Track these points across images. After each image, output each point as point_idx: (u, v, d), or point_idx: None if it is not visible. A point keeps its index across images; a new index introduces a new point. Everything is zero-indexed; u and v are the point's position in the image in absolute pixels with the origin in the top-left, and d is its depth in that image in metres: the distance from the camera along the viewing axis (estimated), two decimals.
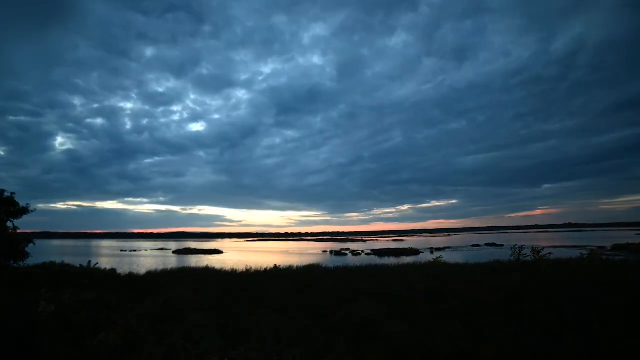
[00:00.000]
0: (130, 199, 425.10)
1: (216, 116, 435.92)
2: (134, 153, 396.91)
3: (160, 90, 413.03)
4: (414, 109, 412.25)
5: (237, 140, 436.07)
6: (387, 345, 5.48)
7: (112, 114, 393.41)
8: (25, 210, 16.01)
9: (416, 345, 5.39)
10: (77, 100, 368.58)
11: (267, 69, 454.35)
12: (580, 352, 4.94)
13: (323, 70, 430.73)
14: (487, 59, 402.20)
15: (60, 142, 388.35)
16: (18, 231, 15.76)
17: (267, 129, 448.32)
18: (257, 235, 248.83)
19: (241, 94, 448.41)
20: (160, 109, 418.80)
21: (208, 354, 5.33)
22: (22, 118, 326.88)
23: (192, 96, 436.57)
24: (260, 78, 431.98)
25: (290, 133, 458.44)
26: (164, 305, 8.24)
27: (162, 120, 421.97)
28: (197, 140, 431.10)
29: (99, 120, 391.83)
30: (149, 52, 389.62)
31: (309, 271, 15.58)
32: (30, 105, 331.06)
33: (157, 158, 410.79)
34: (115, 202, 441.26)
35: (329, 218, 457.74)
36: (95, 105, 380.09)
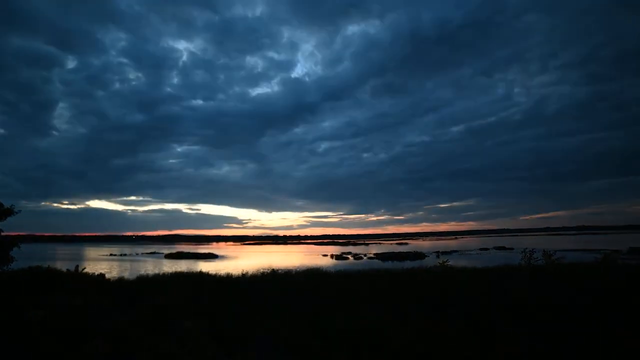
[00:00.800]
0: (129, 198, 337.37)
1: (298, 73, 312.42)
2: (160, 136, 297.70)
3: (245, 16, 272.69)
4: (587, 60, 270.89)
5: (302, 113, 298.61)
6: (388, 353, 5.56)
7: (153, 62, 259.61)
8: (10, 212, 16.00)
9: (419, 353, 5.47)
10: (102, 35, 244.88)
11: None
12: (583, 354, 5.19)
13: None
14: None
15: (61, 114, 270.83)
16: (2, 234, 15.80)
17: (359, 96, 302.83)
18: (254, 239, 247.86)
19: (354, 29, 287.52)
20: (229, 57, 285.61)
21: None
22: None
23: (285, 34, 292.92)
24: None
25: (387, 102, 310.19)
26: (156, 311, 8.32)
27: (223, 75, 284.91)
28: (255, 112, 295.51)
29: (131, 75, 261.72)
30: None
31: (308, 276, 15.64)
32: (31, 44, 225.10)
33: (185, 146, 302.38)
34: (113, 202, 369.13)
35: (339, 220, 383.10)
36: (127, 46, 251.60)
